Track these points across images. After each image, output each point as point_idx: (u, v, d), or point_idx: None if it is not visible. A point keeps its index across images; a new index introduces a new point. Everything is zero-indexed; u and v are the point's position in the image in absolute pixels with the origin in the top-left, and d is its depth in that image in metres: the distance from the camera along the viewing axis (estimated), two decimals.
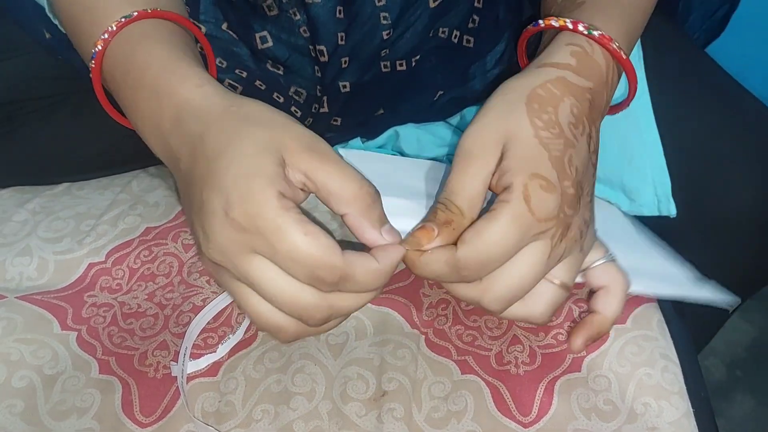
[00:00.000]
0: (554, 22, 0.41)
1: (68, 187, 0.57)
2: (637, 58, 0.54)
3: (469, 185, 0.36)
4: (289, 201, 0.33)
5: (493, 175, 0.37)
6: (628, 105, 0.44)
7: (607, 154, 0.53)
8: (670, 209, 0.52)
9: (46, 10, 0.47)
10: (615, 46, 0.40)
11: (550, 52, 0.40)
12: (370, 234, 0.36)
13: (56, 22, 0.48)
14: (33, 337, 0.45)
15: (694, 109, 0.54)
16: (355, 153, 0.50)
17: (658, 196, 0.52)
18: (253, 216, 0.32)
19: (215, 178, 0.33)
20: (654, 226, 0.54)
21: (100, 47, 0.40)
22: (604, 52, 0.40)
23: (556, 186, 0.35)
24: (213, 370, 0.43)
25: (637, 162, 0.52)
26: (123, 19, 0.39)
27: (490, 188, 0.37)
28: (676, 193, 0.52)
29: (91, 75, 0.41)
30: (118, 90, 0.41)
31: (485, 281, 0.37)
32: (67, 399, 0.42)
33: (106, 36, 0.39)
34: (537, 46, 0.48)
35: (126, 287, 0.48)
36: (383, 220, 0.36)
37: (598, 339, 0.43)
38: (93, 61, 0.40)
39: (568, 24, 0.40)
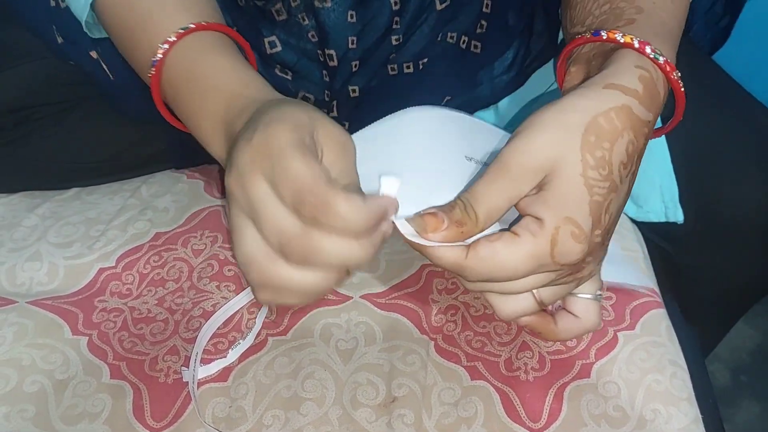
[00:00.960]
0: (620, 37, 0.37)
1: (78, 192, 0.57)
2: None
3: (495, 199, 0.35)
4: (308, 147, 0.32)
5: (524, 197, 0.35)
6: (669, 131, 0.41)
7: None
8: (678, 215, 0.52)
9: (83, 26, 0.47)
10: (675, 77, 0.36)
11: (618, 72, 0.36)
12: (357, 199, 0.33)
13: (93, 33, 0.49)
14: (44, 342, 0.45)
15: (701, 115, 0.54)
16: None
17: (666, 203, 0.52)
18: (268, 139, 0.32)
19: (252, 122, 0.34)
20: (661, 232, 0.54)
21: (160, 55, 0.42)
22: (665, 81, 0.37)
23: (587, 236, 0.34)
24: (223, 375, 0.43)
25: (645, 168, 0.52)
26: (182, 30, 0.42)
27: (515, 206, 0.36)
28: (684, 200, 0.52)
29: (149, 82, 0.43)
30: (178, 95, 0.42)
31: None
32: (78, 404, 0.42)
33: (167, 46, 0.41)
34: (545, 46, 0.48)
35: (136, 292, 0.48)
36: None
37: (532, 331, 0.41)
38: (153, 69, 0.42)
39: (634, 42, 0.36)
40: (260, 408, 0.42)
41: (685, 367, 0.44)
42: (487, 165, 0.40)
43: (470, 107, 0.58)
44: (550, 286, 0.37)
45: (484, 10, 0.54)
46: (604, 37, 0.37)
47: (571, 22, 0.44)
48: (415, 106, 0.57)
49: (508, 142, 0.35)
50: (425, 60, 0.55)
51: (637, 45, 0.36)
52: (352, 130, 0.59)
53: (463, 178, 0.40)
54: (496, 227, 0.37)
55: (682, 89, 0.37)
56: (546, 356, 0.44)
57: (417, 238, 0.35)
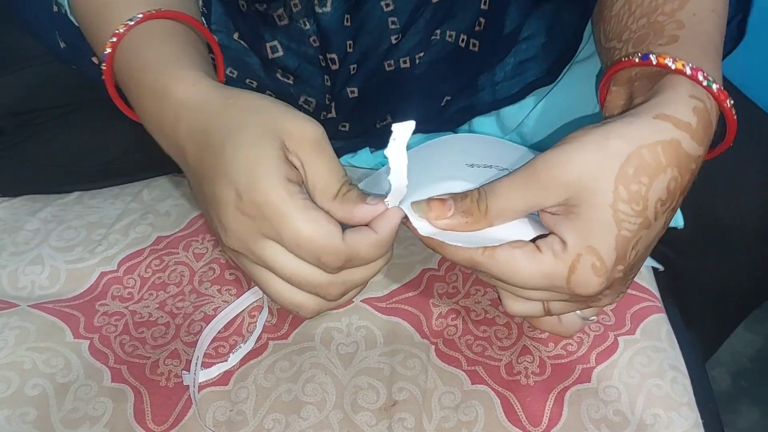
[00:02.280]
0: (671, 63, 0.34)
1: (80, 196, 0.57)
2: None
3: (513, 200, 0.34)
4: (293, 185, 0.33)
5: (547, 210, 0.34)
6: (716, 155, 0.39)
7: None
8: (678, 221, 0.52)
9: (68, 13, 0.47)
10: (729, 105, 0.34)
11: (671, 101, 0.33)
12: (359, 212, 0.35)
13: (76, 24, 0.48)
14: (45, 345, 0.45)
15: None
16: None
17: None
18: (260, 204, 0.32)
19: (222, 169, 0.34)
20: (663, 237, 0.54)
21: (109, 50, 0.40)
22: (717, 110, 0.35)
23: (607, 271, 0.33)
24: (224, 379, 0.43)
25: None
26: (130, 22, 0.40)
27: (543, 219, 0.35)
28: (683, 205, 0.52)
29: (103, 77, 0.41)
30: (127, 91, 0.41)
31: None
32: (79, 407, 0.42)
33: (115, 39, 0.40)
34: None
35: (137, 296, 0.49)
36: (364, 196, 0.35)
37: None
38: (104, 64, 0.41)
39: (686, 69, 0.34)
40: (261, 412, 0.42)
41: (686, 371, 0.45)
42: (496, 168, 0.41)
43: (471, 112, 0.58)
44: (561, 301, 0.36)
45: (482, 7, 0.54)
46: (654, 63, 0.35)
47: (605, 35, 0.42)
48: (414, 105, 0.58)
49: (545, 152, 0.34)
50: (421, 54, 0.55)
51: (689, 72, 0.34)
52: (351, 131, 0.60)
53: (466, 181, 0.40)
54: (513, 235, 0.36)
55: (735, 116, 0.35)
56: (546, 361, 0.44)
57: (427, 231, 0.35)
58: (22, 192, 0.57)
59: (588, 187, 0.32)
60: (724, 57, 0.62)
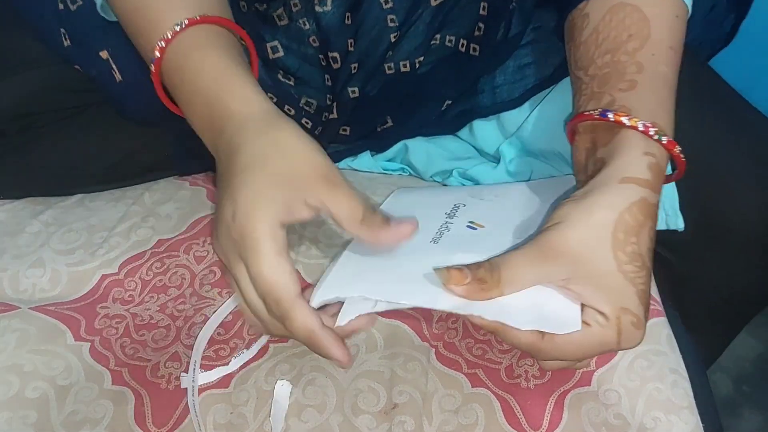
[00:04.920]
0: (626, 121, 0.39)
1: (81, 199, 0.57)
2: None
3: (523, 272, 0.38)
4: (281, 230, 0.38)
5: (561, 284, 0.38)
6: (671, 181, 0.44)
7: None
8: (678, 223, 0.53)
9: (97, 7, 0.49)
10: (677, 151, 0.39)
11: (629, 164, 0.38)
12: (384, 236, 0.39)
13: (110, 17, 0.50)
14: (46, 348, 0.45)
15: (701, 123, 0.54)
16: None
17: (666, 210, 0.53)
18: (245, 234, 0.37)
19: (234, 189, 0.39)
20: (662, 240, 0.54)
21: (158, 54, 0.44)
22: (668, 156, 0.40)
23: (643, 321, 0.37)
24: (224, 381, 0.43)
25: None
26: (177, 28, 0.43)
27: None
28: (684, 209, 0.52)
29: (153, 78, 0.45)
30: (176, 93, 0.45)
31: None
32: (79, 410, 0.42)
33: (163, 44, 0.44)
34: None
35: (138, 299, 0.49)
36: (387, 219, 0.40)
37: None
38: (153, 65, 0.44)
39: (639, 126, 0.39)
40: (261, 415, 0.42)
41: (686, 375, 0.45)
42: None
43: (471, 116, 0.58)
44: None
45: (481, 12, 0.54)
46: (612, 120, 0.40)
47: (575, 61, 0.46)
48: (414, 109, 0.58)
49: (542, 231, 0.38)
50: (421, 58, 0.56)
51: (641, 128, 0.39)
52: (353, 133, 0.60)
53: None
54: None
55: (683, 158, 0.40)
56: None
57: (447, 305, 0.38)
58: (24, 194, 0.57)
59: (590, 259, 0.37)
60: (712, 56, 0.63)
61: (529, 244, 0.38)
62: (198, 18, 0.44)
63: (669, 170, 0.42)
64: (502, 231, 0.44)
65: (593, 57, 0.44)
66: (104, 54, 0.52)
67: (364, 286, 0.41)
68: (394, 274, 0.41)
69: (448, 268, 0.38)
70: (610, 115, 0.40)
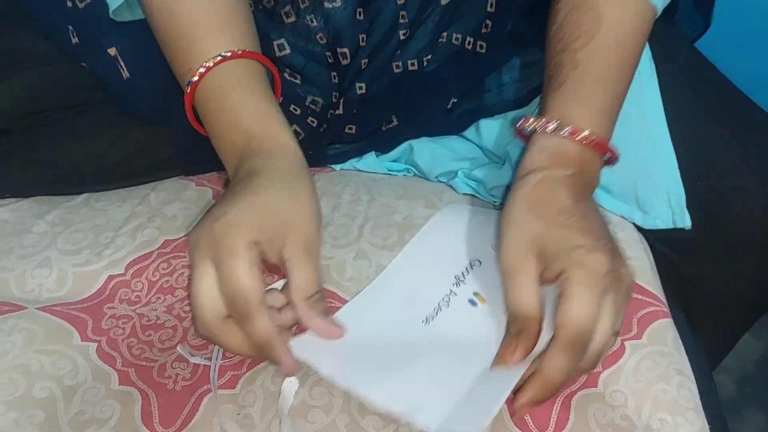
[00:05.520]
0: (529, 125, 0.47)
1: (87, 199, 0.57)
2: (649, 72, 0.54)
3: (524, 293, 0.40)
4: (255, 250, 0.40)
5: (541, 274, 0.41)
6: (613, 164, 0.49)
7: (620, 167, 0.53)
8: (685, 221, 0.52)
9: (110, 11, 0.51)
10: (584, 135, 0.45)
11: (529, 160, 0.46)
12: (314, 323, 0.42)
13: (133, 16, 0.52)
14: (53, 348, 0.45)
15: (707, 122, 0.54)
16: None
17: (673, 209, 0.53)
18: (229, 234, 0.40)
19: (236, 196, 0.42)
20: (668, 241, 0.54)
21: (196, 77, 0.47)
22: (574, 143, 0.45)
23: (597, 245, 0.40)
24: (232, 382, 0.43)
25: (651, 175, 0.53)
26: (219, 57, 0.47)
27: (544, 282, 0.41)
28: (690, 207, 0.52)
29: (185, 95, 0.48)
30: (208, 118, 0.48)
31: None
32: (86, 410, 0.42)
33: (203, 70, 0.47)
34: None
35: (145, 299, 0.49)
36: (326, 312, 0.43)
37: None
38: (188, 88, 0.48)
39: (537, 127, 0.46)
40: (268, 415, 0.42)
41: (692, 376, 0.45)
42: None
43: (477, 114, 0.58)
44: (619, 315, 0.40)
45: (488, 9, 0.54)
46: (522, 125, 0.48)
47: (547, 51, 0.50)
48: (420, 107, 0.58)
49: (500, 256, 0.42)
50: (429, 57, 0.56)
51: (539, 129, 0.46)
52: (358, 133, 0.60)
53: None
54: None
55: (594, 139, 0.45)
56: None
57: (506, 392, 0.39)
58: (29, 193, 0.57)
59: (535, 236, 0.41)
60: (695, 41, 0.63)
61: (504, 276, 0.42)
62: (240, 53, 0.47)
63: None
64: (498, 306, 0.44)
65: (552, 54, 0.49)
66: (112, 51, 0.52)
67: (332, 362, 0.42)
68: (369, 361, 0.42)
69: (497, 355, 0.41)
70: (518, 124, 0.48)
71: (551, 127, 0.45)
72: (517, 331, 0.40)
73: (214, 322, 0.40)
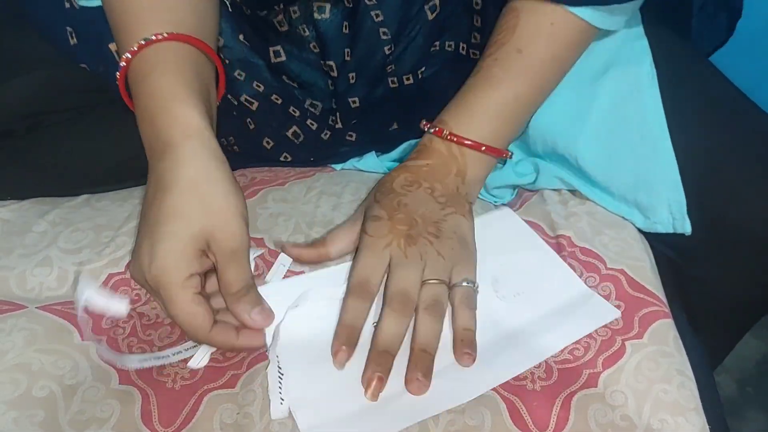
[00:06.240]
0: (422, 126, 0.54)
1: (87, 198, 0.57)
2: (650, 76, 0.54)
3: (343, 245, 0.50)
4: (193, 279, 0.42)
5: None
6: (508, 157, 0.55)
7: (621, 171, 0.53)
8: (686, 227, 0.52)
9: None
10: (445, 134, 0.52)
11: (414, 154, 0.54)
12: (241, 314, 0.44)
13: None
14: (53, 347, 0.45)
15: (709, 127, 0.54)
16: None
17: (673, 214, 0.52)
18: (160, 285, 0.41)
19: (154, 239, 0.42)
20: (669, 242, 0.54)
21: (123, 64, 0.46)
22: (440, 140, 0.53)
23: (383, 217, 0.48)
24: (231, 382, 0.43)
25: (653, 179, 0.52)
26: (142, 42, 0.46)
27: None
28: (691, 211, 0.52)
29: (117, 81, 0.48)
30: (135, 105, 0.47)
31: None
32: (87, 409, 0.42)
33: (129, 55, 0.46)
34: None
35: (144, 298, 0.49)
36: (256, 303, 0.45)
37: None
38: (118, 74, 0.47)
39: (423, 126, 0.54)
40: (268, 415, 0.42)
41: (693, 376, 0.44)
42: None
43: None
44: (416, 261, 0.46)
45: (475, 24, 0.55)
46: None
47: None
48: (421, 112, 0.58)
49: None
50: (423, 69, 0.56)
51: (423, 127, 0.54)
52: (358, 141, 0.60)
53: None
54: None
55: (464, 140, 0.52)
56: (553, 365, 0.44)
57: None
58: (31, 194, 0.58)
59: (364, 209, 0.52)
60: (712, 53, 0.64)
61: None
62: (166, 35, 0.46)
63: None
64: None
65: (483, 55, 0.53)
66: (113, 46, 0.52)
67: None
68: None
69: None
70: (424, 128, 0.54)
71: (426, 128, 0.53)
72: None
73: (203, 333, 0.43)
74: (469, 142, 0.52)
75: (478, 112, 0.52)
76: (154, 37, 0.46)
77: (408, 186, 0.51)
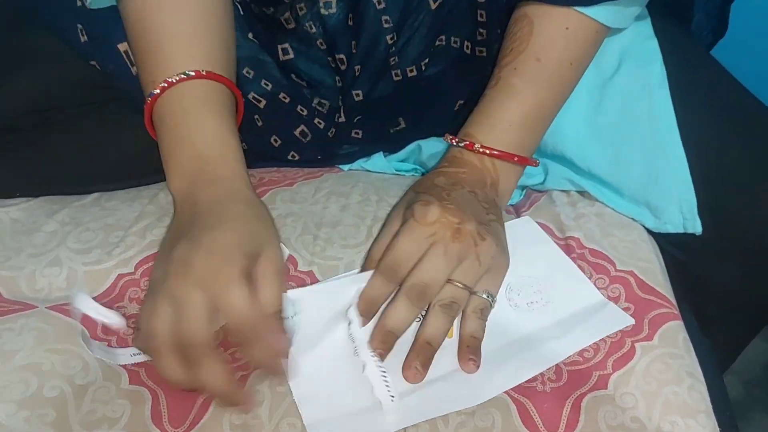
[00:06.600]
0: (447, 140, 0.55)
1: (97, 198, 0.57)
2: (661, 77, 0.54)
3: (382, 243, 0.49)
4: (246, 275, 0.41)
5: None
6: (535, 165, 0.56)
7: (632, 171, 0.53)
8: (696, 227, 0.52)
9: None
10: (476, 147, 0.52)
11: (439, 164, 0.55)
12: (269, 335, 0.42)
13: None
14: (64, 347, 0.45)
15: (719, 127, 0.54)
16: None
17: (684, 214, 0.52)
18: (227, 260, 0.41)
19: (217, 230, 0.43)
20: (679, 244, 0.54)
21: (158, 91, 0.48)
22: (471, 153, 0.53)
23: (433, 202, 0.47)
24: (240, 382, 0.43)
25: (663, 179, 0.52)
26: (183, 75, 0.48)
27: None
28: (702, 211, 0.52)
29: (144, 105, 0.50)
30: (164, 134, 0.49)
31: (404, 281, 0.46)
32: (97, 409, 0.42)
33: (165, 85, 0.48)
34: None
35: None
36: (279, 331, 0.44)
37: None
38: (149, 98, 0.49)
39: (452, 142, 0.54)
40: (276, 416, 0.42)
41: (703, 379, 0.44)
42: None
43: None
44: (452, 262, 0.45)
45: (479, 19, 0.55)
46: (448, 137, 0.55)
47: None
48: (427, 110, 0.58)
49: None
50: (426, 61, 0.56)
51: (449, 141, 0.55)
52: (364, 140, 0.60)
53: None
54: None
55: (495, 152, 0.52)
56: (563, 367, 0.44)
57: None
58: (39, 191, 0.57)
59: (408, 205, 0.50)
60: (711, 46, 0.64)
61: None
62: (205, 73, 0.49)
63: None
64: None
65: (497, 64, 0.54)
66: (123, 47, 0.52)
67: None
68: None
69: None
70: (449, 140, 0.55)
71: (455, 142, 0.54)
72: (381, 270, 0.46)
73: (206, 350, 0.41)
74: (502, 154, 0.52)
75: (505, 123, 0.52)
76: (194, 73, 0.48)
77: (452, 185, 0.50)
